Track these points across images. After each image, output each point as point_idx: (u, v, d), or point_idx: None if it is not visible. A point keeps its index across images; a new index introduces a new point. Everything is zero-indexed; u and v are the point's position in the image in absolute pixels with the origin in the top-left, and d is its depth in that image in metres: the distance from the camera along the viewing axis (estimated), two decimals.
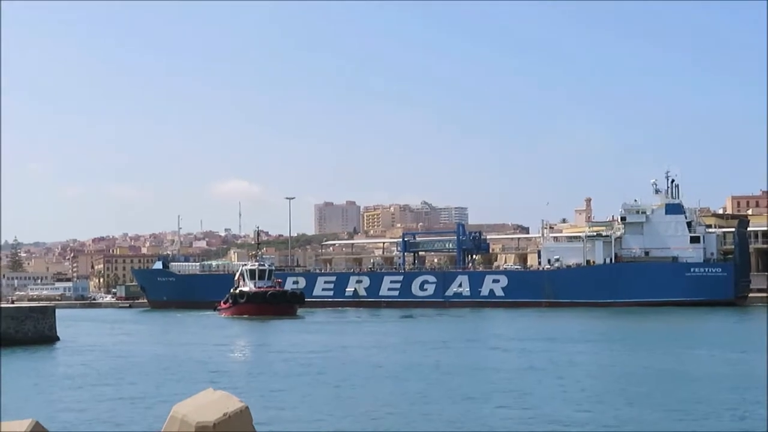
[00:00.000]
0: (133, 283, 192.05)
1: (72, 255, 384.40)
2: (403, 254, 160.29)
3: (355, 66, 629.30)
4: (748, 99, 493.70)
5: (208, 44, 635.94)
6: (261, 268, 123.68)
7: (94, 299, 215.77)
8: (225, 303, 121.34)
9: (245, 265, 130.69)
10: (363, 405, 36.20)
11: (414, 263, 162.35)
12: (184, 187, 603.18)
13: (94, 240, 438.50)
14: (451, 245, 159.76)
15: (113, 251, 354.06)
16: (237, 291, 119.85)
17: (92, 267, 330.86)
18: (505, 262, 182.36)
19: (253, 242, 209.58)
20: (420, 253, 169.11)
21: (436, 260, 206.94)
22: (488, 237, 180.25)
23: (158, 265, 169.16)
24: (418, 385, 41.84)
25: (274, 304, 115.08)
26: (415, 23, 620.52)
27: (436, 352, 60.85)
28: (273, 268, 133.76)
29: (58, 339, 74.06)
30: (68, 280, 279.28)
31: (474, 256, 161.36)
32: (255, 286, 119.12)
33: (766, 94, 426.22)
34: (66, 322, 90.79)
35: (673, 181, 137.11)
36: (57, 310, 79.28)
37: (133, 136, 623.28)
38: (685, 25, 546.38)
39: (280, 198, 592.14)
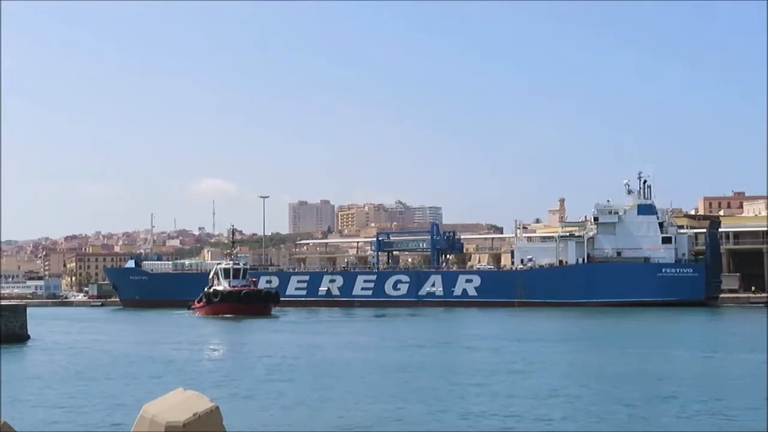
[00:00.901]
0: (106, 282, 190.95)
1: (44, 253, 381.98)
2: (377, 254, 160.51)
3: (329, 65, 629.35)
4: (722, 100, 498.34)
5: (182, 42, 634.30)
6: (235, 267, 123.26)
7: (66, 298, 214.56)
8: (199, 302, 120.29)
9: (219, 264, 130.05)
10: (335, 405, 36.19)
11: (388, 263, 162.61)
12: (158, 186, 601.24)
13: (66, 238, 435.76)
14: (425, 245, 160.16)
15: (86, 250, 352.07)
16: (211, 290, 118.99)
17: (64, 265, 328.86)
18: (479, 261, 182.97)
19: (227, 241, 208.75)
20: (394, 252, 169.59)
21: (410, 260, 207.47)
22: (462, 237, 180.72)
23: (131, 263, 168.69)
24: (390, 385, 41.88)
25: (248, 303, 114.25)
26: (392, 22, 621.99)
27: (408, 351, 60.94)
28: (248, 267, 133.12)
29: (29, 337, 73.48)
30: (40, 278, 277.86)
31: (448, 256, 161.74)
32: (229, 285, 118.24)
33: (767, 96, 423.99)
34: (37, 320, 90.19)
35: (645, 182, 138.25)
36: (28, 309, 78.63)
37: (107, 133, 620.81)
38: (659, 25, 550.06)
39: (254, 197, 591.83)
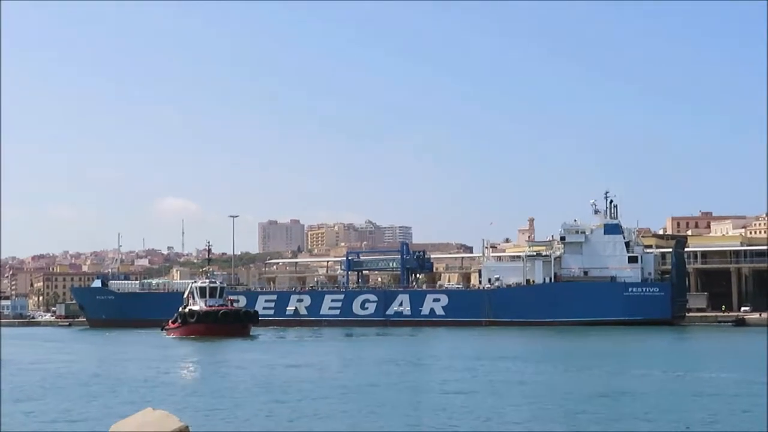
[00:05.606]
0: (73, 302, 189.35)
1: (11, 273, 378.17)
2: (347, 273, 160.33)
3: (295, 85, 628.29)
4: (690, 120, 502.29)
5: (146, 62, 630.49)
6: (212, 285, 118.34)
7: (33, 318, 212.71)
8: (174, 322, 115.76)
9: (195, 282, 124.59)
10: (308, 426, 36.36)
11: (358, 282, 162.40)
12: (126, 205, 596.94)
13: (33, 258, 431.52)
14: (395, 264, 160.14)
15: (53, 269, 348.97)
16: (186, 310, 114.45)
17: (31, 285, 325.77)
18: (449, 281, 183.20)
19: (196, 260, 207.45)
20: (364, 271, 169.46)
21: (380, 279, 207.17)
22: (432, 256, 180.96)
23: (97, 283, 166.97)
24: (360, 405, 42.08)
25: (226, 323, 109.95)
26: (352, 42, 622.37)
27: (375, 372, 61.12)
28: (224, 285, 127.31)
29: None
30: (7, 298, 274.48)
31: (418, 275, 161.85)
32: (206, 304, 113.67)
33: (766, 119, 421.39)
34: (4, 340, 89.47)
35: (611, 201, 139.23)
36: None
37: (73, 154, 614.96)
38: (624, 48, 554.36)
39: (218, 216, 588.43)
